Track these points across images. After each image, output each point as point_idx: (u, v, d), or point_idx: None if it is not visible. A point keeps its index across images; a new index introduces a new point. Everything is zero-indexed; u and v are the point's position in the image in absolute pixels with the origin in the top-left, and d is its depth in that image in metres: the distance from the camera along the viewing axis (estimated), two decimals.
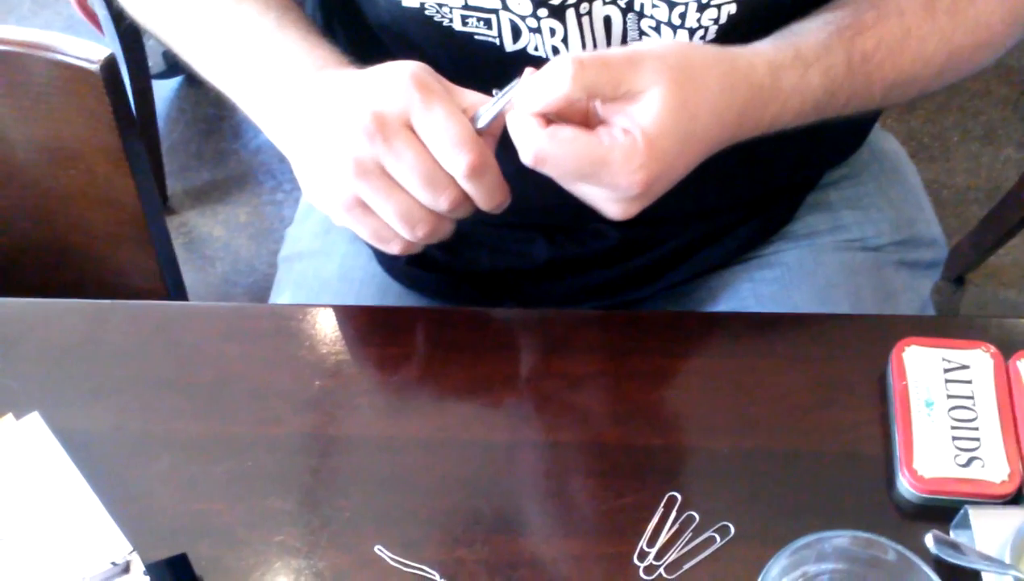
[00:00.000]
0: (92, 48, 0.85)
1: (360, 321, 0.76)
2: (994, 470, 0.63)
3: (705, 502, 0.65)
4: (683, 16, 0.65)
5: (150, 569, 0.62)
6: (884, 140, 0.94)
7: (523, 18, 0.67)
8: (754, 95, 0.61)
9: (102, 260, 1.01)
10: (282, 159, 2.01)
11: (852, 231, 0.87)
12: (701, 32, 0.66)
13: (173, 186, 2.00)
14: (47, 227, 0.99)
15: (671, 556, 0.63)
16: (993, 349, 0.69)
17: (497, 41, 0.69)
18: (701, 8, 0.65)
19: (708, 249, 0.87)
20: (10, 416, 0.70)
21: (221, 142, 2.08)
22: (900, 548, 0.53)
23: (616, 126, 0.58)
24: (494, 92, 0.60)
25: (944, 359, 0.68)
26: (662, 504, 0.65)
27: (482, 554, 0.63)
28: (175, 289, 1.04)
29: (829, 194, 0.89)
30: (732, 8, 0.65)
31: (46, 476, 0.67)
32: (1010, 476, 0.63)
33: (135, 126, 0.90)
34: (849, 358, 0.71)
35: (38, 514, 0.66)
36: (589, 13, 0.66)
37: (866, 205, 0.88)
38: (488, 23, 0.68)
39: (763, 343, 0.74)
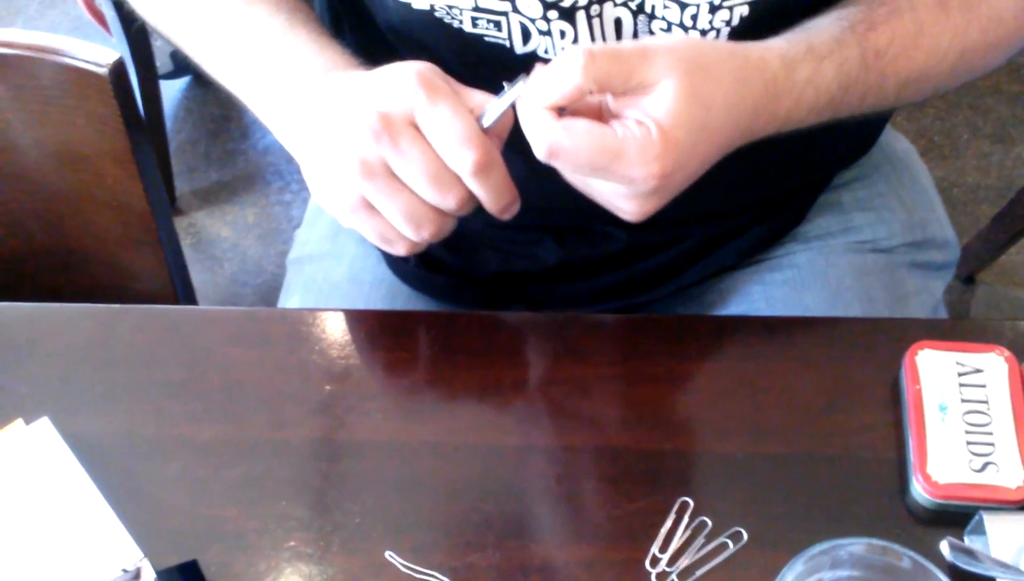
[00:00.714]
0: (101, 51, 0.85)
1: (370, 325, 0.75)
2: (1009, 475, 0.62)
3: (717, 507, 0.64)
4: (695, 18, 0.65)
5: (161, 575, 0.62)
6: (896, 141, 0.94)
7: (533, 20, 0.66)
8: (767, 88, 0.61)
9: (110, 263, 1.01)
10: (290, 159, 2.03)
11: (864, 233, 0.87)
12: (712, 34, 0.66)
13: (181, 187, 2.01)
14: (55, 230, 0.99)
15: (683, 562, 0.62)
16: (1007, 353, 0.68)
17: (507, 43, 0.69)
18: (713, 10, 0.64)
19: (719, 251, 0.86)
20: (20, 421, 0.70)
21: (229, 142, 2.08)
22: (915, 556, 0.53)
23: (629, 119, 0.57)
24: (504, 85, 0.60)
25: (958, 363, 0.68)
26: (674, 509, 0.64)
27: (493, 559, 0.63)
28: (184, 292, 1.04)
29: (841, 195, 0.88)
30: (744, 10, 0.65)
31: (56, 481, 0.67)
32: None
33: (144, 129, 0.90)
34: (862, 362, 0.71)
35: (48, 520, 0.66)
36: (600, 15, 0.66)
37: (878, 206, 0.88)
38: (498, 25, 0.68)
39: (775, 346, 0.73)
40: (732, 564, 0.62)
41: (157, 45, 1.98)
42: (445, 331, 0.76)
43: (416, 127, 0.58)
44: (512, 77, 0.61)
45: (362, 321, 0.76)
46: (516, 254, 0.88)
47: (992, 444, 0.64)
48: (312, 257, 0.94)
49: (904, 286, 0.86)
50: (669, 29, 0.66)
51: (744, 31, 0.65)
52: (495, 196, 0.60)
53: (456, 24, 0.68)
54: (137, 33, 1.78)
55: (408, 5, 0.68)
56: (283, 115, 0.66)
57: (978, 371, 0.67)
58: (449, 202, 0.60)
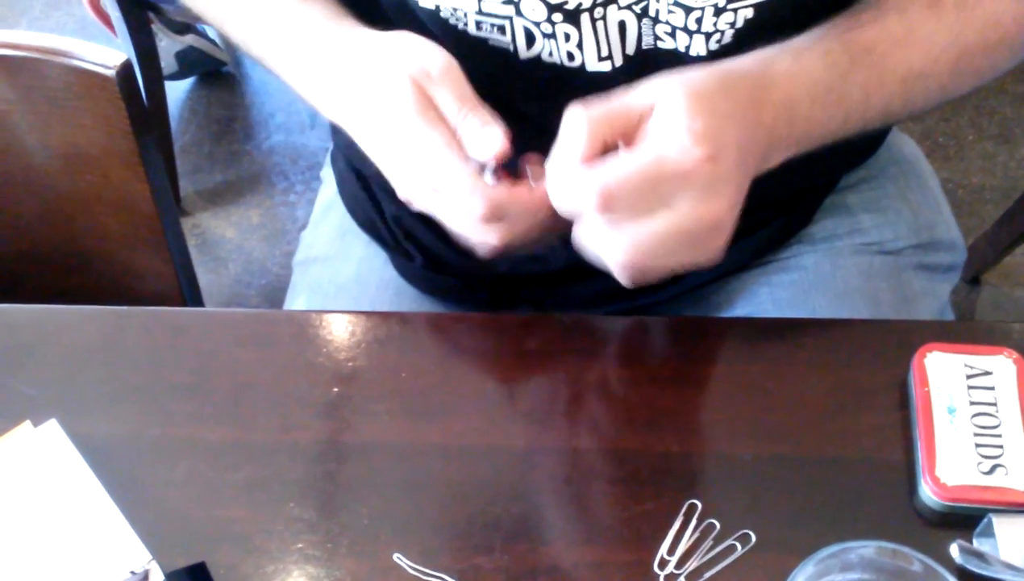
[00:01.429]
0: (108, 53, 0.85)
1: (377, 327, 0.75)
2: (1018, 477, 0.62)
3: (725, 510, 0.64)
4: (699, 21, 0.65)
5: (169, 577, 0.62)
6: (903, 142, 0.94)
7: (537, 24, 0.66)
8: (747, 81, 0.62)
9: (117, 265, 1.01)
10: (294, 160, 2.03)
11: (871, 234, 0.87)
12: (717, 36, 0.66)
13: (185, 187, 2.01)
14: (62, 232, 0.99)
15: (692, 564, 0.62)
16: (1015, 354, 0.68)
17: (511, 47, 0.69)
18: (718, 12, 0.64)
19: (726, 252, 0.86)
20: (28, 423, 0.70)
21: (233, 143, 2.09)
22: (926, 559, 0.53)
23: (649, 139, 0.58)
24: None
25: (966, 365, 0.68)
26: (682, 511, 0.64)
27: (501, 562, 0.63)
28: (190, 293, 1.04)
29: (847, 197, 0.88)
30: (749, 12, 0.65)
31: (64, 484, 0.67)
32: None
33: (151, 131, 0.90)
34: (870, 364, 0.71)
35: (56, 522, 0.66)
36: (604, 18, 0.66)
37: (885, 208, 0.88)
38: (502, 29, 0.68)
39: (783, 348, 0.73)
40: (740, 566, 0.62)
41: (162, 45, 1.98)
42: (452, 333, 0.76)
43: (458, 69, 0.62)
44: (516, 81, 0.62)
45: (369, 323, 0.76)
46: (523, 256, 0.88)
47: (1001, 446, 0.64)
48: (318, 259, 0.94)
49: (911, 288, 0.86)
50: (673, 33, 0.66)
51: (748, 34, 0.65)
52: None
53: (460, 26, 0.68)
54: (142, 34, 1.78)
55: (416, 3, 0.68)
56: (321, 91, 0.69)
57: (987, 373, 0.67)
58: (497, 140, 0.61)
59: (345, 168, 0.93)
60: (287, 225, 1.94)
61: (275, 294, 1.83)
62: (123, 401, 0.72)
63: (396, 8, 0.71)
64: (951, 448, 0.64)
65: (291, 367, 0.73)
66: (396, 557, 0.63)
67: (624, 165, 0.57)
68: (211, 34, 2.10)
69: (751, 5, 0.64)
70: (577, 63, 0.69)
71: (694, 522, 0.64)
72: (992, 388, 0.66)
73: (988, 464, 0.63)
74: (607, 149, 0.58)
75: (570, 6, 0.65)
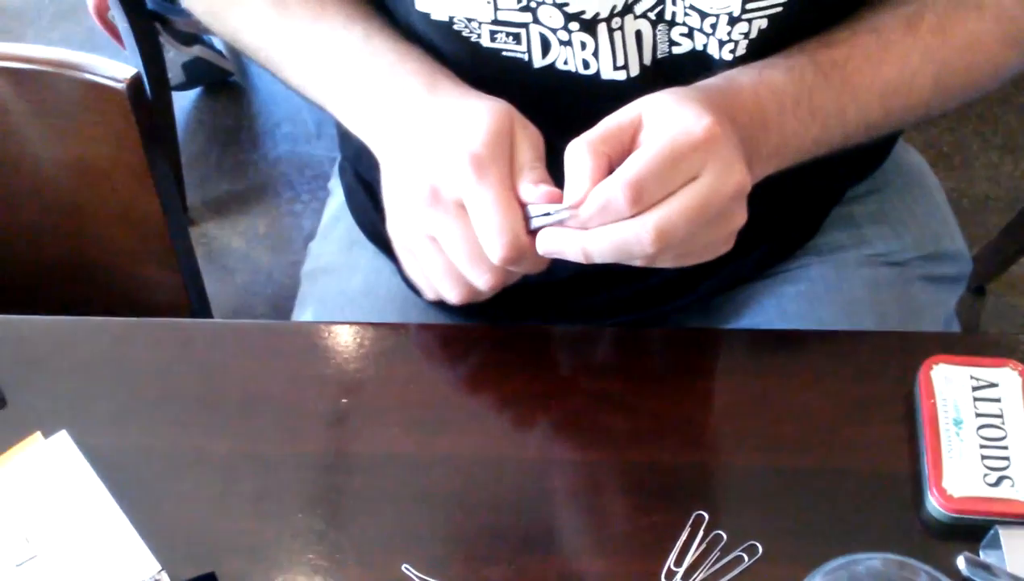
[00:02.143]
0: (118, 67, 0.85)
1: (385, 338, 0.76)
2: None
3: (733, 521, 0.64)
4: (714, 27, 0.65)
5: None
6: (908, 154, 0.94)
7: (554, 31, 0.67)
8: (716, 91, 0.63)
9: (127, 276, 1.01)
10: (300, 170, 2.04)
11: (877, 246, 0.87)
12: (731, 46, 0.66)
13: (192, 197, 2.01)
14: (72, 244, 1.00)
15: (699, 576, 0.62)
16: (1022, 367, 0.68)
17: (525, 57, 0.69)
18: (732, 21, 0.65)
19: (732, 264, 0.86)
20: (38, 435, 0.70)
21: (240, 153, 2.09)
22: (933, 571, 0.53)
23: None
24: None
25: (972, 377, 0.68)
26: (689, 523, 0.64)
27: (509, 573, 0.63)
28: (199, 305, 1.04)
29: (853, 209, 0.88)
30: (763, 23, 0.65)
31: (74, 495, 0.67)
32: None
33: (160, 144, 0.91)
34: (876, 375, 0.71)
35: (66, 533, 0.66)
36: (621, 28, 0.66)
37: (891, 220, 0.88)
38: (517, 38, 0.68)
39: (790, 360, 0.73)
40: (747, 578, 0.62)
41: (169, 57, 1.99)
42: (460, 344, 0.76)
43: (462, 207, 0.61)
44: (528, 91, 0.62)
45: (377, 334, 0.76)
46: (523, 276, 0.88)
47: (1007, 458, 0.64)
48: (326, 269, 0.95)
49: (917, 299, 0.86)
50: (690, 35, 0.67)
51: (763, 45, 0.66)
52: (527, 271, 0.63)
53: (474, 37, 0.69)
54: (149, 45, 1.79)
55: (427, 16, 0.68)
56: (377, 132, 0.69)
57: (993, 385, 0.67)
58: (481, 284, 0.63)
59: (353, 179, 0.94)
60: (293, 235, 1.94)
61: (282, 304, 1.83)
62: (133, 412, 0.72)
63: (403, 28, 0.72)
64: (957, 460, 0.64)
65: (300, 378, 0.74)
66: (404, 568, 0.64)
67: (641, 157, 0.57)
68: (218, 45, 2.10)
69: (765, 16, 0.65)
70: (592, 71, 0.69)
71: (701, 533, 0.64)
72: (998, 400, 0.67)
73: (994, 476, 0.63)
74: (612, 168, 0.58)
75: (587, 16, 0.65)
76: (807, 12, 0.66)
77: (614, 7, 0.65)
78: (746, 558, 0.63)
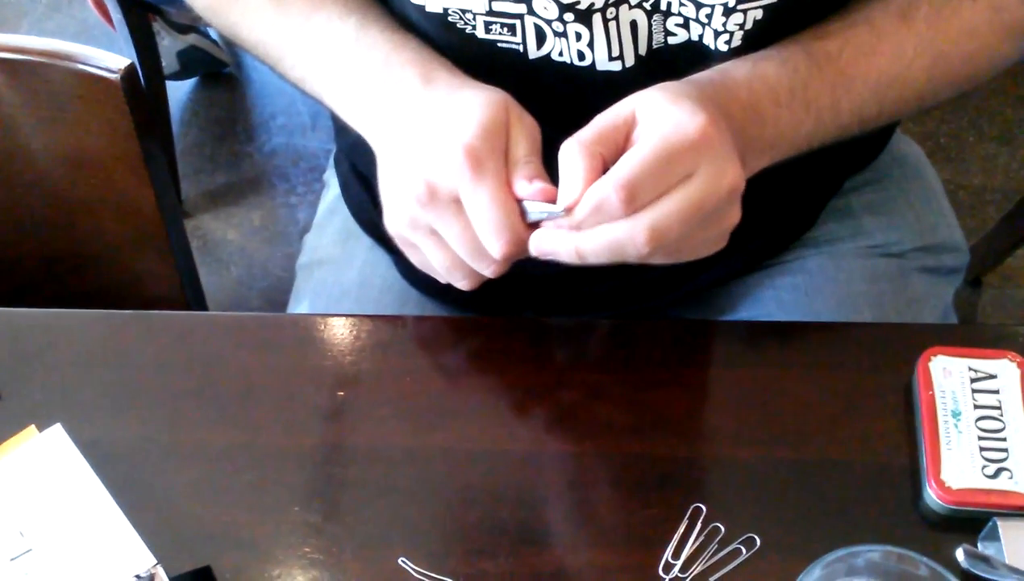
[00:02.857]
0: (112, 57, 0.85)
1: (383, 331, 0.75)
2: (1023, 481, 0.62)
3: (730, 513, 0.64)
4: (709, 17, 0.65)
5: None
6: (906, 145, 0.94)
7: (549, 22, 0.66)
8: (709, 85, 0.63)
9: (121, 268, 1.01)
10: (295, 162, 2.03)
11: (874, 237, 0.87)
12: (726, 36, 0.66)
13: (187, 189, 2.01)
14: (66, 236, 0.99)
15: (697, 568, 0.62)
16: (1020, 358, 0.68)
17: (520, 48, 0.69)
18: (728, 12, 0.64)
19: (729, 256, 0.86)
20: (32, 428, 0.70)
21: (235, 145, 2.09)
22: (932, 563, 0.53)
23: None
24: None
25: (970, 369, 0.68)
26: (687, 515, 0.64)
27: (506, 566, 0.63)
28: (194, 297, 1.04)
29: (851, 200, 0.88)
30: (758, 14, 0.65)
31: (69, 488, 0.67)
32: None
33: (155, 135, 0.90)
34: (874, 367, 0.71)
35: (61, 527, 0.66)
36: (616, 18, 0.66)
37: (888, 211, 0.88)
38: (512, 29, 0.68)
39: (787, 352, 0.73)
40: (745, 570, 0.62)
41: (164, 45, 1.98)
42: (457, 337, 0.76)
43: (460, 202, 0.60)
44: (523, 82, 0.61)
45: (374, 326, 0.76)
46: (526, 258, 0.88)
47: (1006, 450, 0.64)
48: (322, 262, 0.94)
49: (914, 291, 0.86)
50: (686, 25, 0.66)
51: (759, 35, 0.66)
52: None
53: (469, 29, 0.68)
54: (143, 33, 1.78)
55: (422, 8, 0.68)
56: (373, 127, 0.68)
57: (991, 377, 0.67)
58: (487, 273, 0.63)
59: (349, 171, 0.93)
60: (288, 227, 1.94)
61: (277, 296, 1.83)
62: (128, 405, 0.72)
63: (407, 20, 0.71)
64: (955, 452, 0.64)
65: (296, 371, 0.73)
66: (401, 561, 0.64)
67: (634, 157, 0.57)
68: (213, 34, 2.10)
69: (760, 6, 0.64)
70: (587, 62, 0.69)
71: (699, 526, 0.64)
72: (996, 392, 0.67)
73: (993, 468, 0.63)
74: (606, 167, 0.58)
75: (582, 6, 0.65)
76: (803, 2, 0.65)
77: None
78: (744, 550, 0.63)
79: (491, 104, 0.61)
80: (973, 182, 1.93)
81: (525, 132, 0.62)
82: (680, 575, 0.62)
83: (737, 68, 0.65)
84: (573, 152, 0.58)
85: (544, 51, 0.69)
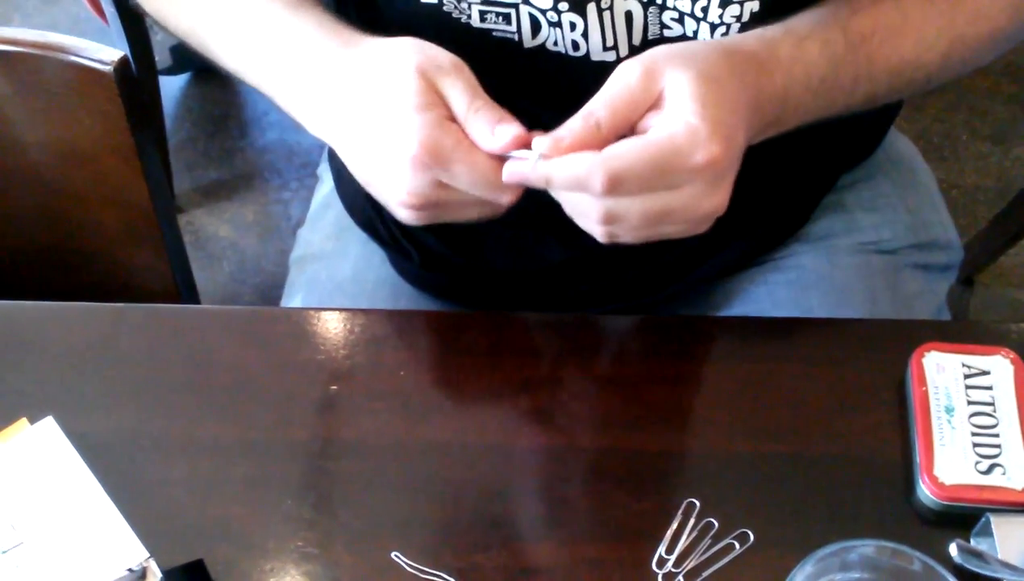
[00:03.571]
0: (105, 50, 0.84)
1: (375, 325, 0.75)
2: (1015, 477, 0.63)
3: (724, 508, 0.64)
4: (705, 10, 0.65)
5: (167, 575, 0.62)
6: (900, 142, 0.94)
7: (543, 12, 0.66)
8: (752, 64, 0.61)
9: (114, 261, 1.00)
10: (288, 158, 2.03)
11: (868, 234, 0.87)
12: (723, 29, 0.66)
13: (180, 184, 2.00)
14: (59, 228, 0.99)
15: (690, 563, 0.62)
16: (1013, 354, 0.68)
17: (515, 37, 0.69)
18: (724, 4, 0.64)
19: (723, 252, 0.86)
20: (24, 420, 0.70)
21: (228, 140, 2.08)
22: (926, 558, 0.53)
23: (661, 125, 0.58)
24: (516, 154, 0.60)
25: (964, 365, 0.68)
26: (680, 510, 0.64)
27: (499, 560, 0.63)
28: (187, 290, 1.04)
29: (845, 196, 0.88)
30: (755, 5, 0.65)
31: (61, 481, 0.67)
32: None
33: (148, 128, 0.90)
34: (868, 363, 0.71)
35: (53, 519, 0.66)
36: (610, 8, 0.66)
37: (882, 207, 0.88)
38: (507, 18, 0.68)
39: (781, 347, 0.73)
40: (738, 565, 0.62)
41: (157, 40, 1.97)
42: (450, 331, 0.76)
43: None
44: (518, 71, 0.61)
45: (367, 320, 0.75)
46: (520, 253, 0.88)
47: (998, 446, 0.64)
48: (315, 256, 0.94)
49: (908, 287, 0.86)
50: (681, 20, 0.66)
51: (754, 27, 0.65)
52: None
53: (464, 19, 0.68)
54: (136, 26, 1.77)
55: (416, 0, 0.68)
56: (313, 106, 0.66)
57: (984, 373, 0.67)
58: (504, 202, 0.62)
59: (342, 166, 0.93)
60: (281, 223, 1.93)
61: (270, 292, 1.82)
62: (120, 398, 0.72)
63: (398, 11, 0.71)
64: (949, 447, 0.64)
65: (289, 365, 0.73)
66: (394, 555, 0.63)
67: (636, 152, 0.56)
68: None
69: None
70: (581, 52, 0.69)
71: (692, 520, 0.64)
72: (990, 388, 0.67)
73: (986, 464, 0.63)
74: (615, 133, 0.58)
75: None
76: None
77: None
78: (737, 545, 0.63)
79: (408, 88, 0.59)
80: (966, 181, 1.93)
81: (454, 82, 0.60)
82: (673, 570, 0.62)
83: (783, 45, 0.63)
84: (584, 120, 0.57)
85: (538, 41, 0.69)
